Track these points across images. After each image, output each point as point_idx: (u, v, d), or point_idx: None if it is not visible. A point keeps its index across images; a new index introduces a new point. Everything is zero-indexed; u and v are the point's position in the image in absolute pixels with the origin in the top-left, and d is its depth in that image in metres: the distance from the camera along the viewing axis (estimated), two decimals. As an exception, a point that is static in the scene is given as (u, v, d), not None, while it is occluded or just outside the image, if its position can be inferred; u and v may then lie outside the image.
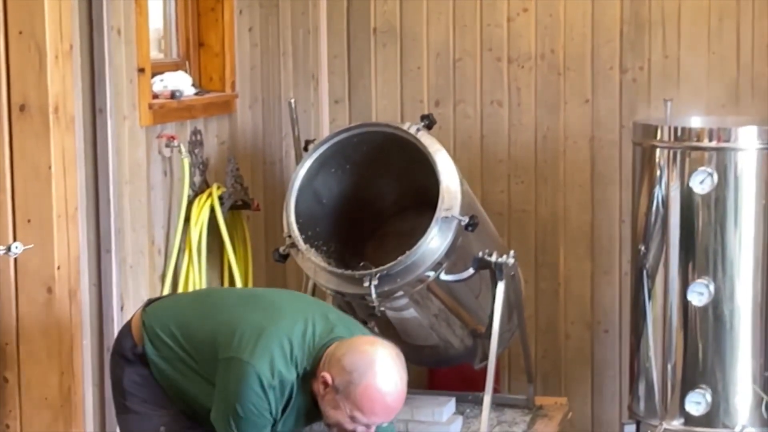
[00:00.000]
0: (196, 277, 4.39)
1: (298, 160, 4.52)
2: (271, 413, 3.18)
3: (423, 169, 4.16)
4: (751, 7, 5.23)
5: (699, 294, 4.46)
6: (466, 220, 4.07)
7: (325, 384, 3.13)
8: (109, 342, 3.99)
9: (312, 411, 3.26)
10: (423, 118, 4.26)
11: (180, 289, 4.37)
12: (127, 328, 3.51)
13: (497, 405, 4.71)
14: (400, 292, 4.17)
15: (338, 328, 3.26)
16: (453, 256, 4.15)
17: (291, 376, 3.18)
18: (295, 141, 4.78)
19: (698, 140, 4.45)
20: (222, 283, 4.68)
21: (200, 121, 4.61)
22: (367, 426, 3.17)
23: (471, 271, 4.28)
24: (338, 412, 3.13)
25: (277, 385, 3.16)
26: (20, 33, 3.61)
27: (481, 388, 4.32)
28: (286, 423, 3.26)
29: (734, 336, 4.51)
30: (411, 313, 4.30)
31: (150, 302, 3.56)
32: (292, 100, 4.77)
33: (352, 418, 3.13)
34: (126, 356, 3.46)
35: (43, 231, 3.66)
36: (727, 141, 4.41)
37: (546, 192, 5.51)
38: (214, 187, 4.57)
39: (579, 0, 5.40)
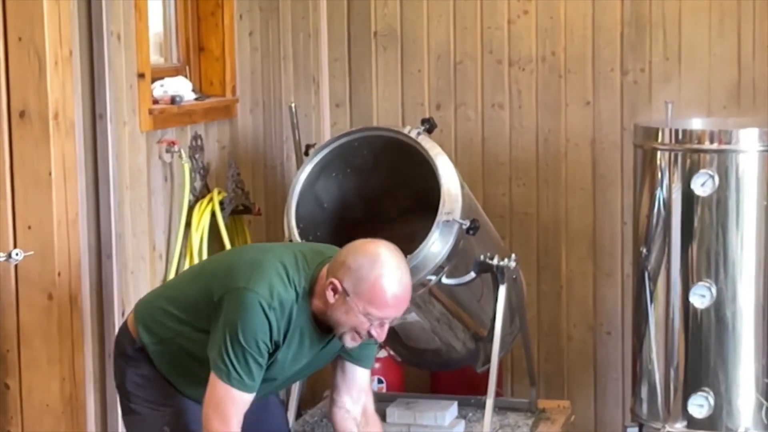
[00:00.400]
0: (198, 282, 4.39)
1: (299, 164, 4.51)
2: (272, 337, 3.19)
3: (424, 173, 4.15)
4: (752, 7, 5.22)
5: (701, 296, 4.45)
6: (467, 223, 4.06)
7: (335, 290, 3.17)
8: (111, 348, 3.99)
9: (313, 333, 3.29)
10: (423, 121, 4.26)
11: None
12: (123, 327, 3.52)
13: (500, 408, 4.70)
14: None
15: (327, 251, 3.34)
16: (454, 260, 4.15)
17: (290, 296, 3.21)
18: (296, 145, 4.78)
19: (699, 142, 4.44)
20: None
21: (201, 126, 4.61)
22: (381, 323, 3.21)
23: (473, 274, 4.27)
24: (351, 315, 3.18)
25: (278, 306, 3.18)
26: (20, 39, 3.62)
27: (484, 391, 4.32)
28: (291, 346, 3.27)
29: (737, 338, 4.50)
30: (413, 317, 4.30)
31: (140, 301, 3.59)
32: (293, 104, 4.77)
33: (367, 316, 3.17)
34: (127, 354, 3.46)
35: (43, 237, 3.67)
36: (729, 143, 4.40)
37: (547, 194, 5.51)
38: (215, 192, 4.57)
39: (579, 2, 5.40)
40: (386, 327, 3.24)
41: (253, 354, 3.18)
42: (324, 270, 3.24)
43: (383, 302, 3.16)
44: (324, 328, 3.29)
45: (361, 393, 3.50)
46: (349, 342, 3.27)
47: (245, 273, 3.23)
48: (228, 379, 3.17)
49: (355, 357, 3.45)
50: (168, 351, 3.39)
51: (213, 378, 3.20)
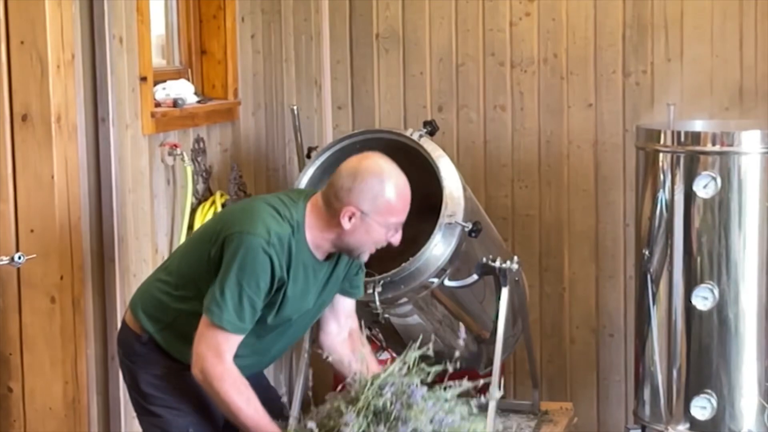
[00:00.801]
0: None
1: (302, 166, 4.51)
2: (274, 275, 3.23)
3: (426, 176, 4.15)
4: (754, 9, 5.22)
5: (703, 298, 4.45)
6: (469, 226, 4.07)
7: (351, 216, 3.26)
8: (114, 351, 3.99)
9: (315, 263, 3.36)
10: (426, 124, 4.26)
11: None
12: (124, 327, 3.50)
13: (502, 410, 4.70)
14: (404, 299, 4.17)
15: (302, 191, 3.49)
16: (457, 262, 4.15)
17: (285, 230, 3.26)
18: (298, 148, 4.78)
19: (702, 144, 4.44)
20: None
21: (203, 128, 4.61)
22: (397, 228, 3.37)
23: (475, 276, 4.27)
24: (372, 232, 3.30)
25: (276, 242, 3.22)
26: (22, 43, 3.62)
27: (486, 393, 4.31)
28: (297, 280, 3.31)
29: (739, 340, 4.50)
30: (415, 319, 4.30)
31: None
32: (295, 107, 4.77)
33: (387, 227, 3.32)
34: (135, 353, 3.42)
35: (46, 241, 3.67)
36: (731, 145, 4.40)
37: (550, 196, 5.51)
38: (218, 194, 4.57)
39: (581, 3, 5.40)
40: (400, 229, 3.39)
41: (251, 296, 3.20)
42: (314, 201, 3.33)
43: (400, 208, 3.33)
44: (323, 257, 3.38)
45: (348, 318, 3.63)
46: (366, 257, 3.44)
47: (237, 220, 3.27)
48: (220, 321, 3.19)
49: (347, 290, 3.58)
50: (176, 332, 3.36)
51: (205, 321, 3.21)
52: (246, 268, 3.19)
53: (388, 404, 3.18)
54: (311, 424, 3.17)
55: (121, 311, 4.00)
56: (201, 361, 3.21)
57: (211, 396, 3.25)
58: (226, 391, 3.21)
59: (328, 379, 5.28)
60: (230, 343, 3.22)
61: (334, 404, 3.24)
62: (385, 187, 3.28)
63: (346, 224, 3.27)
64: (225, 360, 3.21)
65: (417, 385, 3.22)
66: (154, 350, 3.40)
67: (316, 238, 3.33)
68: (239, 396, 3.22)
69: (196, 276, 3.33)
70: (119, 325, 3.94)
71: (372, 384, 3.22)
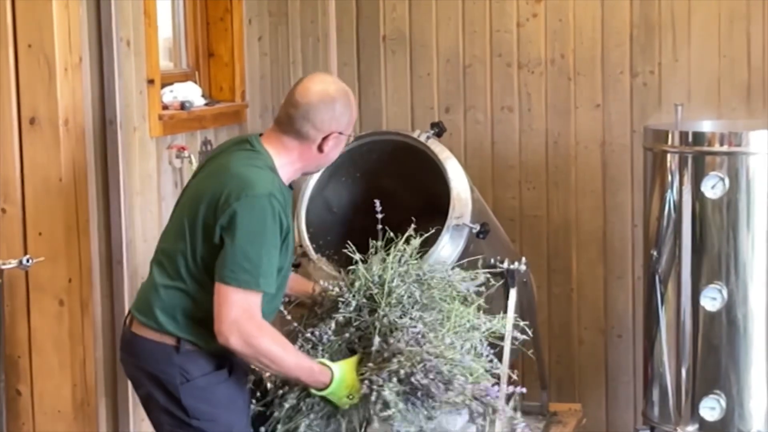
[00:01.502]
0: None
1: (309, 169, 4.50)
2: (282, 225, 3.26)
3: (433, 177, 4.15)
4: (762, 9, 5.21)
5: (712, 299, 4.45)
6: (477, 227, 4.06)
7: (331, 138, 3.38)
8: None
9: (290, 198, 3.43)
10: (433, 125, 4.26)
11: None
12: (151, 346, 3.32)
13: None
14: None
15: (246, 137, 3.44)
16: (464, 264, 4.14)
17: (275, 178, 3.31)
18: (306, 150, 4.77)
19: (709, 145, 4.44)
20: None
21: (210, 131, 4.62)
22: None
23: (484, 278, 4.26)
24: (340, 145, 3.45)
25: (277, 193, 3.26)
26: (29, 46, 3.62)
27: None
28: (290, 221, 3.36)
29: (748, 340, 4.50)
30: (423, 321, 4.29)
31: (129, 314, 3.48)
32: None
33: (348, 132, 3.47)
34: (173, 365, 3.28)
35: (54, 243, 3.67)
36: (739, 145, 4.40)
37: (558, 197, 5.50)
38: (225, 196, 4.56)
39: (588, 4, 5.39)
40: None
41: (271, 251, 3.24)
42: (273, 141, 3.37)
43: (356, 112, 3.49)
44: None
45: None
46: None
47: (234, 187, 3.23)
48: (255, 285, 3.20)
49: None
50: (203, 323, 3.27)
51: (230, 289, 3.18)
52: (262, 228, 3.21)
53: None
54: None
55: (130, 314, 3.99)
56: (235, 327, 3.18)
57: (250, 357, 3.25)
58: (267, 345, 3.24)
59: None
60: (258, 302, 3.24)
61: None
62: (351, 104, 3.44)
63: (328, 148, 3.39)
64: (258, 318, 3.23)
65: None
66: (191, 357, 3.30)
67: (288, 173, 3.40)
68: (278, 347, 3.27)
69: (208, 257, 3.26)
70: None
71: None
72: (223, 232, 3.21)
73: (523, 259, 4.32)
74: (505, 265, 4.25)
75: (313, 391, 3.39)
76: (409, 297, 3.55)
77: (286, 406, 3.44)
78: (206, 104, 4.58)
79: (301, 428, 3.44)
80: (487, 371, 3.52)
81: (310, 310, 3.66)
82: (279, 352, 3.27)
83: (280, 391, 3.48)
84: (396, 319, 3.47)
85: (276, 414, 3.48)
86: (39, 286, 3.69)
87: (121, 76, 3.94)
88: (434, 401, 3.41)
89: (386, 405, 3.36)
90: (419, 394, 3.39)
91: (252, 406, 3.48)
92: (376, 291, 3.55)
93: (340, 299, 3.54)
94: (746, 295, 4.46)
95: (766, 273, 4.46)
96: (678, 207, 4.51)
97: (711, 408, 4.49)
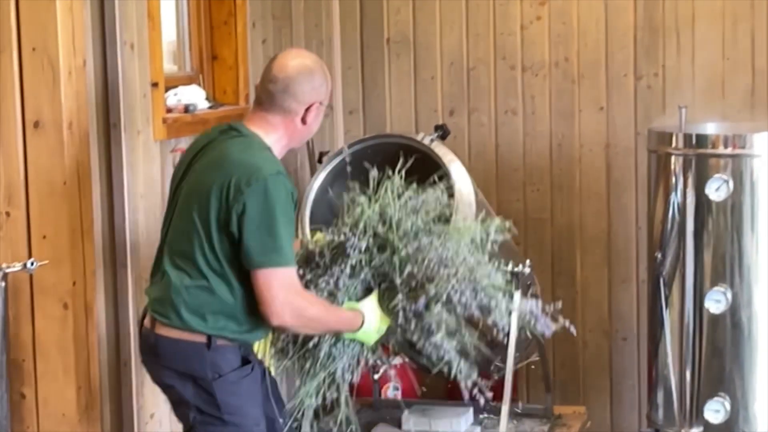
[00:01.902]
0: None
1: (313, 171, 4.52)
2: (293, 199, 3.37)
3: (438, 180, 4.14)
4: (766, 11, 5.21)
5: (716, 301, 4.45)
6: None
7: (312, 109, 3.47)
8: (126, 356, 4.00)
9: None
10: (437, 128, 4.26)
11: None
12: (181, 345, 3.34)
13: (515, 414, 4.69)
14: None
15: (232, 124, 3.52)
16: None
17: (275, 157, 3.43)
18: (310, 153, 4.78)
19: (713, 147, 4.44)
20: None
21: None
22: None
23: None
24: (320, 115, 3.53)
25: (283, 171, 3.38)
26: (33, 49, 3.62)
27: (499, 397, 4.31)
28: None
29: (752, 343, 4.49)
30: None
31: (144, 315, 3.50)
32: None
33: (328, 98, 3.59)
34: (205, 362, 3.32)
35: (58, 247, 3.67)
36: (743, 147, 4.40)
37: (562, 200, 5.50)
38: (229, 199, 4.56)
39: (592, 7, 5.40)
40: None
41: (289, 227, 3.35)
42: (257, 121, 3.46)
43: (330, 82, 3.60)
44: None
45: None
46: None
47: (245, 171, 3.29)
48: (286, 261, 3.30)
49: None
50: (232, 316, 3.35)
51: (268, 272, 3.28)
52: (281, 207, 3.30)
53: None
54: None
55: (134, 317, 4.00)
56: (287, 306, 3.30)
57: (300, 328, 3.43)
58: (316, 312, 3.42)
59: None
60: (294, 274, 3.37)
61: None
62: (327, 74, 3.54)
63: (310, 119, 3.48)
64: (300, 289, 3.39)
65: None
66: (221, 353, 3.34)
67: (277, 150, 3.48)
68: (323, 310, 3.48)
69: (226, 244, 3.31)
70: (132, 330, 3.96)
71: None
72: (241, 219, 3.27)
73: (528, 261, 4.32)
74: (510, 267, 4.24)
75: (346, 334, 3.59)
76: (413, 226, 3.69)
77: (321, 355, 3.62)
78: (210, 107, 4.58)
79: (338, 372, 3.65)
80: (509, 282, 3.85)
81: (308, 263, 3.70)
82: (324, 315, 3.47)
83: (311, 343, 3.63)
84: (412, 251, 3.63)
85: (308, 366, 3.65)
86: (43, 289, 3.69)
87: (124, 79, 3.95)
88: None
89: (430, 331, 3.65)
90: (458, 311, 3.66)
91: None
92: (382, 229, 3.67)
93: (348, 244, 3.63)
94: (750, 297, 4.46)
95: (771, 275, 4.46)
96: (682, 209, 4.51)
97: (715, 411, 4.49)
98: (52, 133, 3.64)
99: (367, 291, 3.68)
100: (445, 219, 3.82)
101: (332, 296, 3.63)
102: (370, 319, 3.60)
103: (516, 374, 4.84)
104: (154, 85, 4.16)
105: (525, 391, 5.59)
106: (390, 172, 3.77)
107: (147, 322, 3.43)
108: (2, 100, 3.62)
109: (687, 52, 5.31)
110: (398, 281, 3.63)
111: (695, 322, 4.54)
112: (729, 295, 4.44)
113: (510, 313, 3.85)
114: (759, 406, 4.50)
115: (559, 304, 3.90)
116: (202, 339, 3.32)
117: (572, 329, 3.93)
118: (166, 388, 3.44)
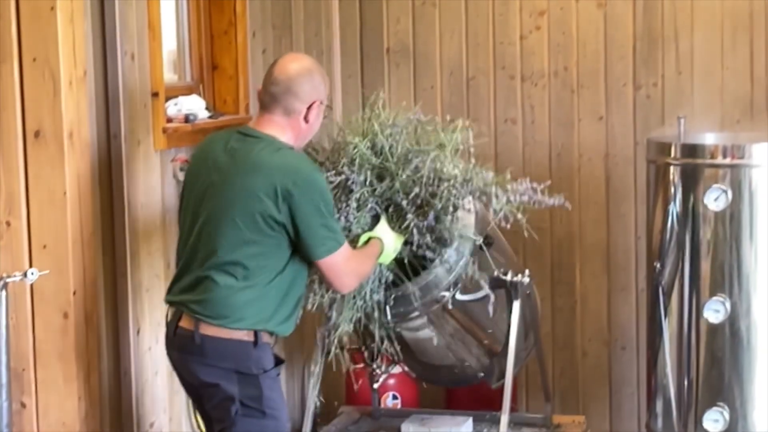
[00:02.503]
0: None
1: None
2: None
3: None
4: (764, 21, 5.23)
5: (715, 311, 4.45)
6: (480, 239, 4.08)
7: (315, 109, 3.66)
8: (126, 366, 4.01)
9: None
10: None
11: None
12: (228, 343, 3.50)
13: (515, 424, 4.69)
14: (416, 313, 4.18)
15: (244, 129, 3.69)
16: (468, 276, 4.15)
17: (304, 154, 3.77)
18: (310, 162, 4.78)
19: (712, 157, 4.45)
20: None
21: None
22: None
23: (487, 290, 4.27)
24: (320, 115, 3.71)
25: (315, 164, 3.77)
26: (34, 60, 3.64)
27: (498, 407, 4.31)
28: None
29: (751, 352, 4.49)
30: (427, 333, 4.30)
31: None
32: (306, 122, 4.78)
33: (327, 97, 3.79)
34: (250, 359, 3.51)
35: (58, 256, 3.68)
36: (741, 158, 4.40)
37: (561, 209, 5.46)
38: (229, 209, 4.57)
39: (591, 17, 5.41)
40: None
41: (334, 210, 3.70)
42: (270, 123, 3.62)
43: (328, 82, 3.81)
44: None
45: None
46: None
47: (286, 170, 3.50)
48: (341, 242, 3.60)
49: None
50: (280, 310, 3.58)
51: (330, 259, 3.57)
52: (326, 197, 3.57)
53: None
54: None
55: (133, 326, 4.01)
56: (353, 278, 3.69)
57: (360, 282, 3.81)
58: (362, 262, 3.78)
59: (340, 392, 5.30)
60: (347, 247, 3.65)
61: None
62: (324, 74, 3.73)
63: (312, 117, 3.65)
64: (350, 254, 3.67)
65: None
66: (264, 350, 3.54)
67: (298, 148, 3.71)
68: (366, 261, 3.81)
69: (270, 251, 3.51)
70: (131, 340, 3.98)
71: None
72: (295, 219, 3.48)
73: (527, 271, 4.33)
74: (509, 277, 4.25)
75: None
76: (405, 150, 4.01)
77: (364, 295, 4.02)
78: (210, 117, 4.59)
79: (367, 295, 4.02)
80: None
81: None
82: (366, 261, 3.81)
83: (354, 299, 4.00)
84: (410, 173, 3.95)
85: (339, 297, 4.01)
86: (43, 298, 3.70)
87: (125, 89, 3.96)
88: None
89: (443, 241, 4.00)
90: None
91: None
92: (377, 159, 3.98)
93: (349, 182, 3.94)
94: (749, 307, 4.46)
95: (770, 285, 4.47)
96: (681, 219, 4.52)
97: (714, 420, 4.49)
98: (53, 143, 3.65)
99: (375, 218, 3.98)
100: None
101: (347, 230, 3.91)
102: (388, 241, 3.90)
103: (515, 383, 4.85)
104: (155, 95, 4.17)
105: (524, 400, 5.59)
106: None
107: (186, 323, 3.54)
108: (3, 110, 3.63)
109: (686, 62, 5.32)
110: (405, 203, 3.95)
111: (694, 332, 4.55)
112: (728, 305, 4.44)
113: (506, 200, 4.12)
114: (758, 415, 4.50)
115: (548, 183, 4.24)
116: (250, 337, 3.50)
117: (567, 204, 4.29)
118: (206, 387, 3.54)
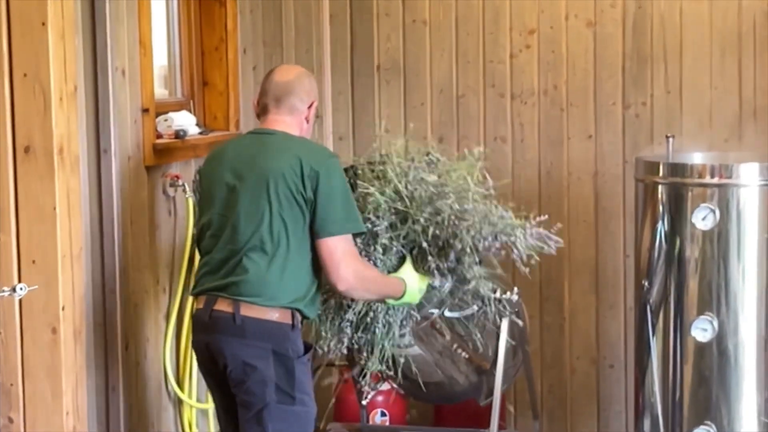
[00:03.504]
0: (201, 316, 4.39)
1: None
2: None
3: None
4: (753, 41, 5.25)
5: (703, 330, 4.46)
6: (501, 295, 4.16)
7: (312, 107, 3.90)
8: (114, 382, 4.00)
9: None
10: (426, 155, 4.28)
11: (185, 329, 4.37)
12: (268, 325, 3.64)
13: (503, 441, 4.70)
14: (405, 330, 4.18)
15: (254, 130, 3.94)
16: (457, 293, 4.16)
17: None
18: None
19: (700, 177, 4.46)
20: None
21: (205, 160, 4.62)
22: None
23: (475, 308, 4.28)
24: (315, 110, 3.94)
25: None
26: (25, 75, 3.63)
27: (487, 424, 4.31)
28: None
29: (739, 371, 4.50)
30: (415, 350, 4.30)
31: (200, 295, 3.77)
32: (296, 138, 4.79)
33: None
34: (288, 341, 3.67)
35: (47, 272, 3.67)
36: (729, 177, 4.42)
37: (549, 226, 5.50)
38: (219, 225, 4.57)
39: (581, 35, 5.43)
40: None
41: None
42: (279, 122, 3.83)
43: None
44: None
45: None
46: None
47: (310, 154, 3.72)
48: (360, 226, 3.76)
49: None
50: (312, 291, 3.74)
51: (342, 239, 3.69)
52: (344, 182, 3.76)
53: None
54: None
55: (122, 342, 4.01)
56: (351, 268, 3.71)
57: (361, 291, 3.81)
58: (373, 275, 3.87)
59: (328, 408, 5.29)
60: (355, 249, 3.79)
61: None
62: (314, 78, 3.99)
63: (310, 117, 3.90)
64: (359, 255, 3.81)
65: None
66: (298, 335, 3.69)
67: None
68: (378, 274, 3.91)
69: (296, 229, 3.66)
70: (120, 356, 3.97)
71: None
72: (316, 195, 3.65)
73: (516, 288, 4.33)
74: (498, 294, 4.26)
75: (390, 302, 3.97)
76: (425, 192, 4.07)
77: (379, 325, 4.07)
78: (201, 133, 4.60)
79: (396, 336, 4.11)
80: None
81: None
82: (378, 276, 3.90)
83: (368, 318, 4.08)
84: (429, 215, 4.02)
85: (369, 337, 4.11)
86: (32, 314, 3.69)
87: (115, 104, 3.96)
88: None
89: (465, 279, 4.08)
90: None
91: None
92: (399, 204, 4.05)
93: (375, 231, 4.01)
94: (737, 326, 4.47)
95: (757, 304, 4.48)
96: (669, 238, 4.53)
97: (702, 439, 4.50)
98: (43, 159, 3.64)
99: (401, 259, 4.06)
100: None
101: None
102: (411, 282, 3.97)
103: (503, 401, 4.85)
104: (145, 110, 4.18)
105: (513, 418, 5.59)
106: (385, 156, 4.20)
107: (224, 306, 3.66)
108: (-7, 125, 3.63)
109: (675, 81, 5.34)
110: (425, 245, 4.00)
111: (682, 350, 4.56)
112: (715, 324, 4.46)
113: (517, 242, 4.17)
114: (745, 434, 4.52)
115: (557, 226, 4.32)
116: (287, 320, 3.65)
117: (560, 242, 4.34)
118: (242, 367, 3.64)
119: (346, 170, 4.30)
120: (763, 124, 5.24)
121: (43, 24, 3.60)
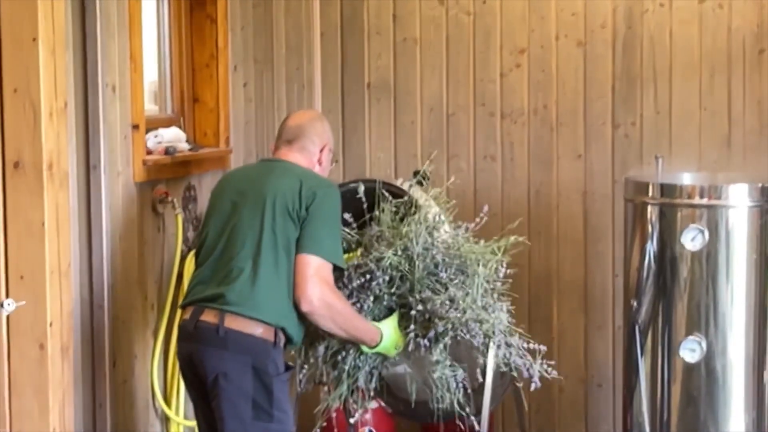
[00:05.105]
0: (189, 333, 4.38)
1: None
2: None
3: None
4: (742, 62, 5.26)
5: (691, 350, 4.46)
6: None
7: (325, 151, 4.03)
8: (102, 398, 3.99)
9: None
10: (416, 173, 4.29)
11: (173, 346, 4.36)
12: (252, 341, 3.67)
13: (490, 460, 4.68)
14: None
15: (272, 163, 4.02)
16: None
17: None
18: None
19: (689, 197, 4.47)
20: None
21: (194, 176, 4.63)
22: None
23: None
24: (330, 155, 4.08)
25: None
26: (15, 91, 3.63)
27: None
28: None
29: (727, 391, 4.51)
30: (404, 368, 4.30)
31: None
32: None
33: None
34: (269, 359, 3.69)
35: (35, 287, 3.66)
36: (718, 198, 4.43)
37: (539, 246, 5.52)
38: (208, 242, 4.57)
39: (571, 55, 5.44)
40: None
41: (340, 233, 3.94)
42: (291, 157, 3.97)
43: None
44: None
45: None
46: None
47: (312, 181, 3.82)
48: (336, 259, 3.79)
49: None
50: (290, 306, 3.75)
51: (317, 261, 3.72)
52: (338, 212, 3.87)
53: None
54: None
55: (110, 358, 3.99)
56: (318, 290, 3.71)
57: (327, 319, 3.78)
58: (343, 306, 3.83)
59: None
60: (332, 275, 3.80)
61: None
62: (328, 125, 4.10)
63: (325, 161, 4.02)
64: (335, 288, 3.82)
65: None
66: (280, 352, 3.73)
67: None
68: (350, 308, 3.91)
69: (286, 244, 3.73)
70: (108, 372, 3.96)
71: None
72: (309, 213, 3.73)
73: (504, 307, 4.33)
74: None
75: (365, 348, 4.02)
76: (433, 260, 4.10)
77: (347, 366, 4.12)
78: (190, 149, 4.59)
79: (360, 380, 4.15)
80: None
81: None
82: (350, 313, 3.88)
83: (339, 357, 4.13)
84: (429, 287, 4.06)
85: (336, 375, 4.15)
86: (20, 329, 3.68)
87: (105, 121, 3.96)
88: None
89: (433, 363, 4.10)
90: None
91: None
92: (404, 265, 4.07)
93: (374, 283, 4.06)
94: (725, 346, 4.48)
95: (745, 325, 4.48)
96: (658, 258, 4.54)
97: (690, 459, 4.50)
98: (32, 174, 3.64)
99: (389, 310, 4.10)
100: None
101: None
102: (389, 336, 4.02)
103: (492, 420, 4.84)
104: (135, 127, 4.18)
105: (500, 436, 5.59)
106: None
107: (209, 317, 3.69)
108: (-17, 140, 3.63)
109: (664, 101, 5.35)
110: (413, 312, 4.05)
111: (670, 370, 4.56)
112: (704, 344, 4.46)
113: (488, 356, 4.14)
114: (733, 454, 4.52)
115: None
116: (270, 336, 3.68)
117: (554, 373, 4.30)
118: (221, 378, 3.65)
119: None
120: (752, 145, 5.25)
121: (34, 39, 3.60)
